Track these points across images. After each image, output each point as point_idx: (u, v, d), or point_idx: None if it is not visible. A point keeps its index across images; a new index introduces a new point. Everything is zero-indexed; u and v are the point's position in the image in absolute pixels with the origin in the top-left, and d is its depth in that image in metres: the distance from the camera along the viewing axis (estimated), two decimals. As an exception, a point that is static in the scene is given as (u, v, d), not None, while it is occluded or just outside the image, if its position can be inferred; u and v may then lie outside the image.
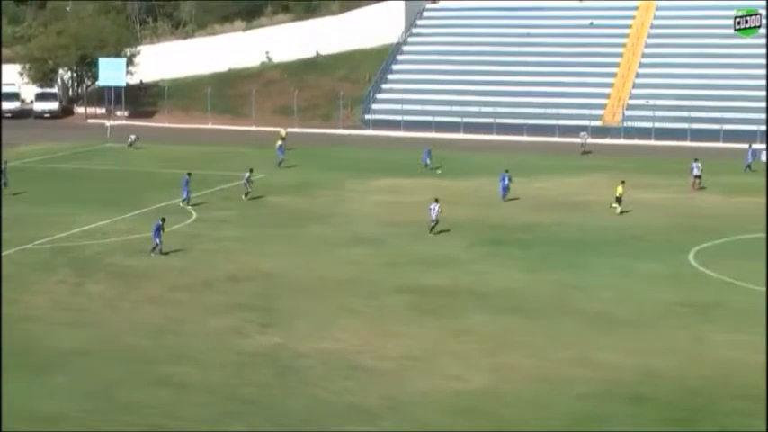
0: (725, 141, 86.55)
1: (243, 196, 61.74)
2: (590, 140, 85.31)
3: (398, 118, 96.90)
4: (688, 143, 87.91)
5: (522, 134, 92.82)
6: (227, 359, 33.25)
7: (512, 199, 61.64)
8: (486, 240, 51.55)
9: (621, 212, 57.12)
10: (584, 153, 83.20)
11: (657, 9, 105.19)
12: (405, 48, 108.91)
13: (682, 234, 52.44)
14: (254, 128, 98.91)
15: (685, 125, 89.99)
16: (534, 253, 48.95)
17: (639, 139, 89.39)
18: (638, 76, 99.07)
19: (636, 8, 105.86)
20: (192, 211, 57.84)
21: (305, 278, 43.70)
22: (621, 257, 47.67)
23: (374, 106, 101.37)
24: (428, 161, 73.58)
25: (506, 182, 62.16)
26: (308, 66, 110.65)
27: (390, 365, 32.76)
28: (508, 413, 28.88)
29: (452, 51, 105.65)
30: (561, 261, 47.26)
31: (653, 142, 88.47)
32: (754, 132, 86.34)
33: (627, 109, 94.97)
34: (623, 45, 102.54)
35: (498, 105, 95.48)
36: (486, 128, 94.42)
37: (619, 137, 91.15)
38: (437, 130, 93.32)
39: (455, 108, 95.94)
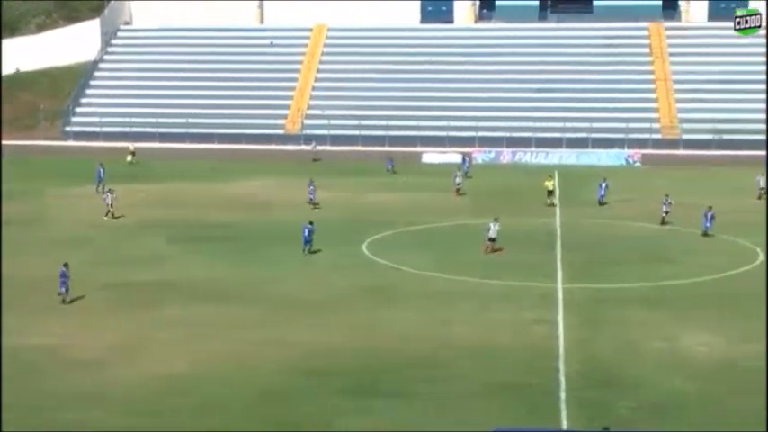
0: (390, 146, 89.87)
1: (105, 216, 57.04)
2: (319, 148, 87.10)
3: (98, 129, 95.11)
4: (359, 147, 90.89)
5: (213, 142, 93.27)
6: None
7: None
8: (186, 238, 51.72)
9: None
10: (315, 160, 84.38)
11: (329, 30, 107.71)
12: (101, 65, 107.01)
13: (357, 227, 54.26)
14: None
15: (356, 132, 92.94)
16: (229, 247, 49.57)
17: (318, 145, 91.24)
18: (314, 89, 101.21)
19: (310, 29, 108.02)
20: None
21: (17, 278, 42.43)
22: (300, 248, 48.51)
23: (74, 119, 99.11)
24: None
25: (311, 188, 61.85)
26: (9, 81, 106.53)
27: (99, 356, 32.55)
28: (207, 392, 29.39)
29: (147, 68, 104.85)
30: (254, 254, 48.13)
31: (329, 147, 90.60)
32: (414, 138, 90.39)
33: (306, 118, 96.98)
34: (301, 62, 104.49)
35: (191, 117, 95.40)
36: (180, 137, 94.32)
37: (299, 144, 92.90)
38: (134, 140, 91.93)
39: (151, 119, 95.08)
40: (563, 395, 29.10)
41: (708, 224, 51.47)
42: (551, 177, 62.50)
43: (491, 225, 48.05)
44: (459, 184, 66.87)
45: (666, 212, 55.00)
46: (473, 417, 27.43)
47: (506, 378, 30.72)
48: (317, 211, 58.74)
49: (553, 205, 60.71)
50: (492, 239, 47.83)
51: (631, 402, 28.61)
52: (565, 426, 26.67)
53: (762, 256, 47.22)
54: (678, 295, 40.65)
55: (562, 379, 30.45)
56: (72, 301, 38.72)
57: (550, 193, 61.42)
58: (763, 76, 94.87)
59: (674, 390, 29.74)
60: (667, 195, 55.63)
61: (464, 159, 77.37)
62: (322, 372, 31.17)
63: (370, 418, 27.59)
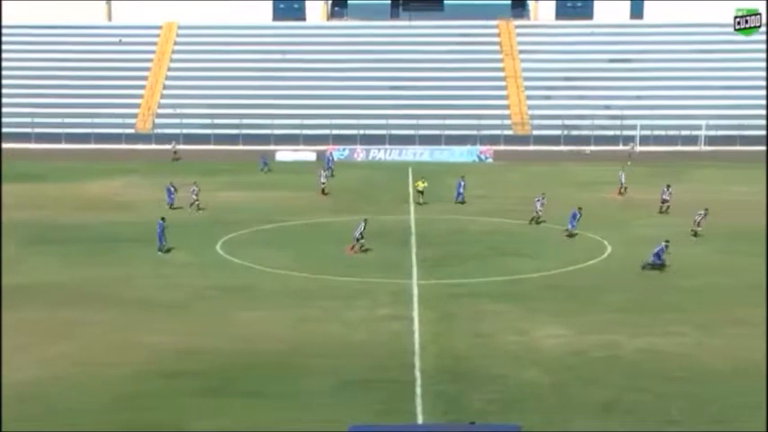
0: (243, 144, 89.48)
1: None
2: (179, 147, 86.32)
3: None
4: (212, 146, 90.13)
5: (60, 142, 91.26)
6: None
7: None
8: (41, 240, 50.62)
9: None
10: (175, 160, 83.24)
11: (180, 28, 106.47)
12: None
13: (212, 226, 53.87)
14: None
15: (209, 131, 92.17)
16: (84, 249, 48.62)
17: (168, 144, 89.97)
18: (165, 87, 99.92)
19: (160, 27, 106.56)
20: None
21: None
22: (154, 248, 47.94)
23: None
24: None
25: (172, 191, 60.09)
26: None
27: (-56, 364, 31.52)
28: (58, 397, 28.79)
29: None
30: (108, 255, 47.31)
31: (183, 146, 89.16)
32: (268, 136, 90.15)
33: (156, 117, 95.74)
34: (151, 60, 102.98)
35: (36, 116, 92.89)
36: (25, 137, 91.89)
37: (150, 143, 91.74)
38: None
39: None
40: (419, 390, 29.42)
41: (573, 223, 51.72)
42: (424, 179, 62.47)
43: (360, 224, 47.95)
44: (323, 183, 66.78)
45: (540, 211, 55.09)
46: (330, 414, 27.47)
47: (363, 375, 30.89)
48: (198, 212, 58.11)
49: (423, 203, 60.85)
50: (356, 239, 47.74)
51: (486, 395, 29.10)
52: (420, 420, 26.97)
53: (609, 249, 48.66)
54: (529, 289, 41.58)
55: (418, 374, 30.79)
56: None
57: (421, 193, 61.69)
58: (604, 74, 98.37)
59: (528, 381, 30.39)
60: (543, 194, 56.16)
61: (328, 158, 77.30)
62: (177, 373, 30.84)
63: (226, 418, 27.42)
